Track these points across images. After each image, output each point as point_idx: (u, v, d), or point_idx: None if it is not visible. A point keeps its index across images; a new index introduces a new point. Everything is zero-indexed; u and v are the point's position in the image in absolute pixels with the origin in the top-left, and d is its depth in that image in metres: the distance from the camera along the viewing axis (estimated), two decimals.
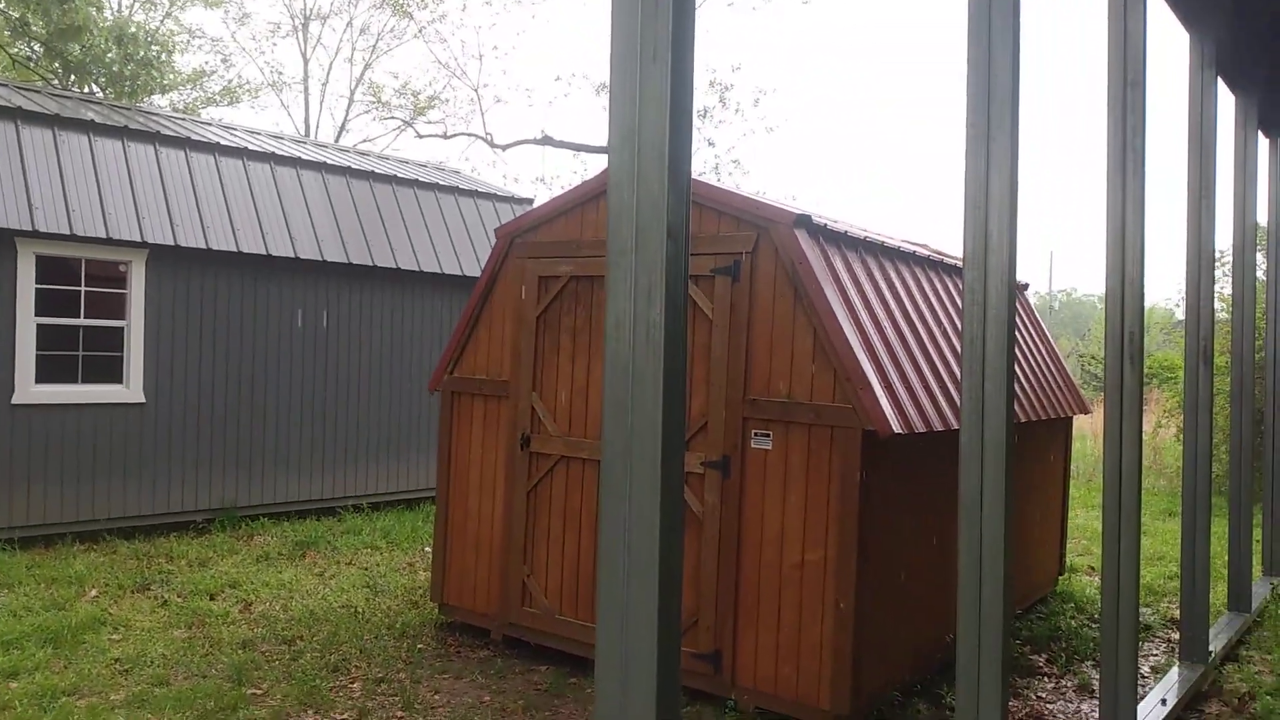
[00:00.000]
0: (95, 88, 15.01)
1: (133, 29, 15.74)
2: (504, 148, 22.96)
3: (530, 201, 13.00)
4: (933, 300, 6.48)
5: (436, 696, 5.47)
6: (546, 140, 22.25)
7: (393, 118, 26.05)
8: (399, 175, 11.48)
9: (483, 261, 11.35)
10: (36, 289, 8.27)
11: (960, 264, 7.13)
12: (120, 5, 21.89)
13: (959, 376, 5.88)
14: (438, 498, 6.76)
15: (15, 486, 8.18)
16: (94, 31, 13.72)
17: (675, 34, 1.72)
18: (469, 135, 24.34)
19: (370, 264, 10.33)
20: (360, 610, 6.90)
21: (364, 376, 10.46)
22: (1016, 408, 6.39)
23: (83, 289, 8.59)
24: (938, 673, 5.95)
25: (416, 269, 10.75)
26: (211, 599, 7.02)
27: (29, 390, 8.22)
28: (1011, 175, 3.70)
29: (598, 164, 27.09)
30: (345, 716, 5.12)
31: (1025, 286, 8.90)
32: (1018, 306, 7.21)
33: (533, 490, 6.19)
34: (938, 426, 5.34)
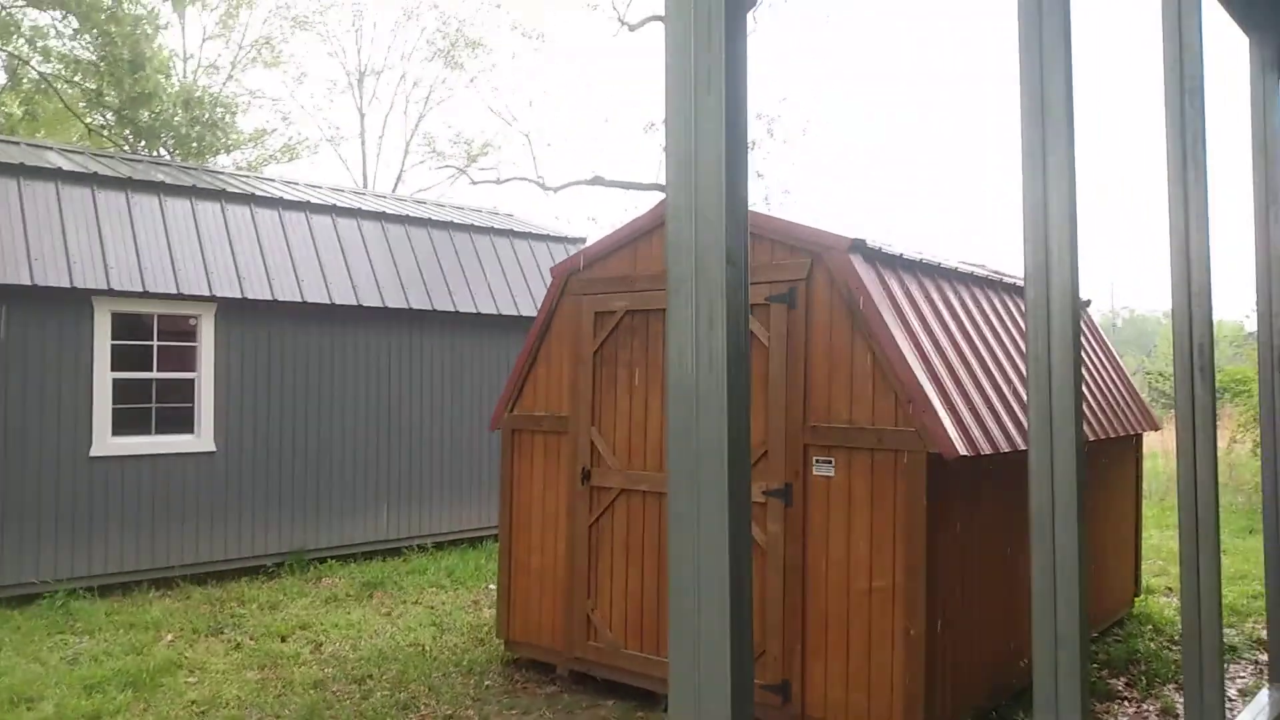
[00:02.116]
0: (164, 150, 15.62)
1: (198, 93, 16.39)
2: (556, 190, 23.31)
3: (582, 241, 13.15)
4: (993, 320, 6.40)
5: None
6: (597, 180, 22.54)
7: (447, 166, 26.64)
8: (455, 221, 11.72)
9: (538, 301, 11.50)
10: (112, 345, 8.58)
11: (1020, 282, 7.04)
12: (185, 71, 22.81)
13: (1024, 396, 5.80)
14: (500, 534, 6.81)
15: (94, 535, 8.44)
16: (163, 98, 14.32)
17: (729, 63, 1.77)
18: (522, 179, 24.76)
19: (430, 308, 10.53)
20: (427, 648, 6.95)
21: (425, 418, 10.62)
22: (1085, 426, 6.26)
23: (155, 343, 8.89)
24: (1013, 698, 5.79)
25: (474, 311, 10.93)
26: (283, 641, 7.14)
27: (106, 442, 8.50)
28: (1070, 189, 3.66)
29: (647, 201, 27.34)
30: None
31: (1088, 304, 8.74)
32: (1082, 324, 7.07)
33: (594, 524, 6.21)
34: (1004, 448, 5.26)
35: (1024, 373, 6.15)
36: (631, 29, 20.60)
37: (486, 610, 8.02)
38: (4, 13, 12.93)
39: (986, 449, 5.08)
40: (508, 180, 25.40)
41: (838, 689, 5.13)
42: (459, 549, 10.61)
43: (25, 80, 15.03)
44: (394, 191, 25.29)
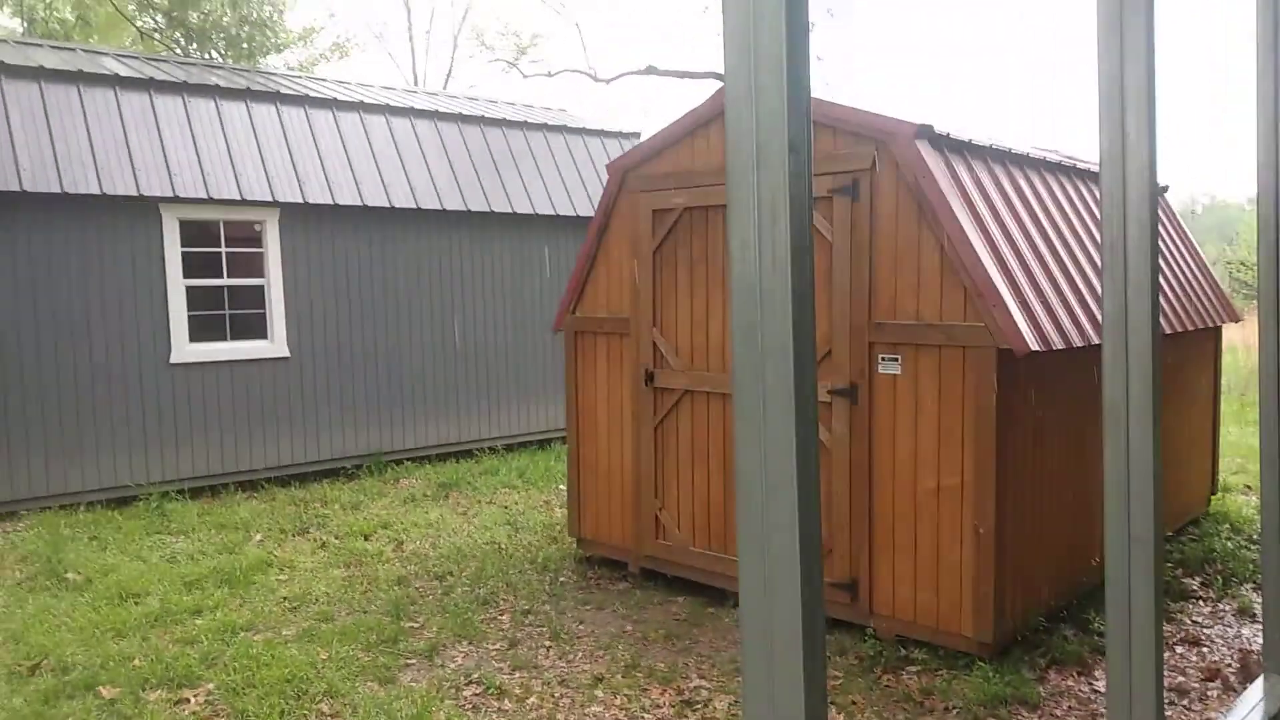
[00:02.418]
0: (215, 53, 15.62)
1: None
2: (608, 81, 22.82)
3: (637, 135, 12.91)
4: (1066, 209, 6.16)
5: (581, 626, 5.67)
6: (651, 70, 21.98)
7: (496, 60, 26.20)
8: (508, 118, 11.58)
9: (595, 200, 11.40)
10: (182, 252, 8.76)
11: (1095, 168, 6.73)
12: None
13: (1098, 290, 5.60)
14: (568, 436, 6.92)
15: (180, 441, 8.80)
16: None
17: None
18: (573, 72, 24.29)
19: (488, 209, 10.51)
20: (503, 546, 7.18)
21: (490, 320, 10.73)
22: (1161, 319, 6.05)
23: (223, 250, 9.06)
24: (1083, 597, 5.78)
25: (531, 211, 10.88)
26: (366, 540, 7.43)
27: (185, 349, 8.78)
28: (1149, 65, 3.44)
29: (704, 91, 26.61)
30: (497, 647, 5.37)
31: (1165, 189, 8.35)
32: (1159, 211, 6.76)
33: (659, 425, 6.26)
34: (1077, 342, 5.11)
35: (1098, 263, 5.94)
36: None
37: (558, 510, 8.22)
38: None
39: (1059, 343, 4.95)
40: (559, 73, 24.94)
41: (905, 587, 5.17)
42: (528, 450, 10.84)
43: None
44: (444, 89, 25.04)
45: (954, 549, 4.97)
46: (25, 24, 15.98)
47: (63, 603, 6.00)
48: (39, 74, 8.42)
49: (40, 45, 9.73)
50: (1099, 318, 5.34)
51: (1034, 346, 4.71)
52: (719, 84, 20.61)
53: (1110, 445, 4.00)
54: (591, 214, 11.06)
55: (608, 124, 13.35)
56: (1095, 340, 5.18)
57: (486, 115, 11.38)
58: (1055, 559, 5.52)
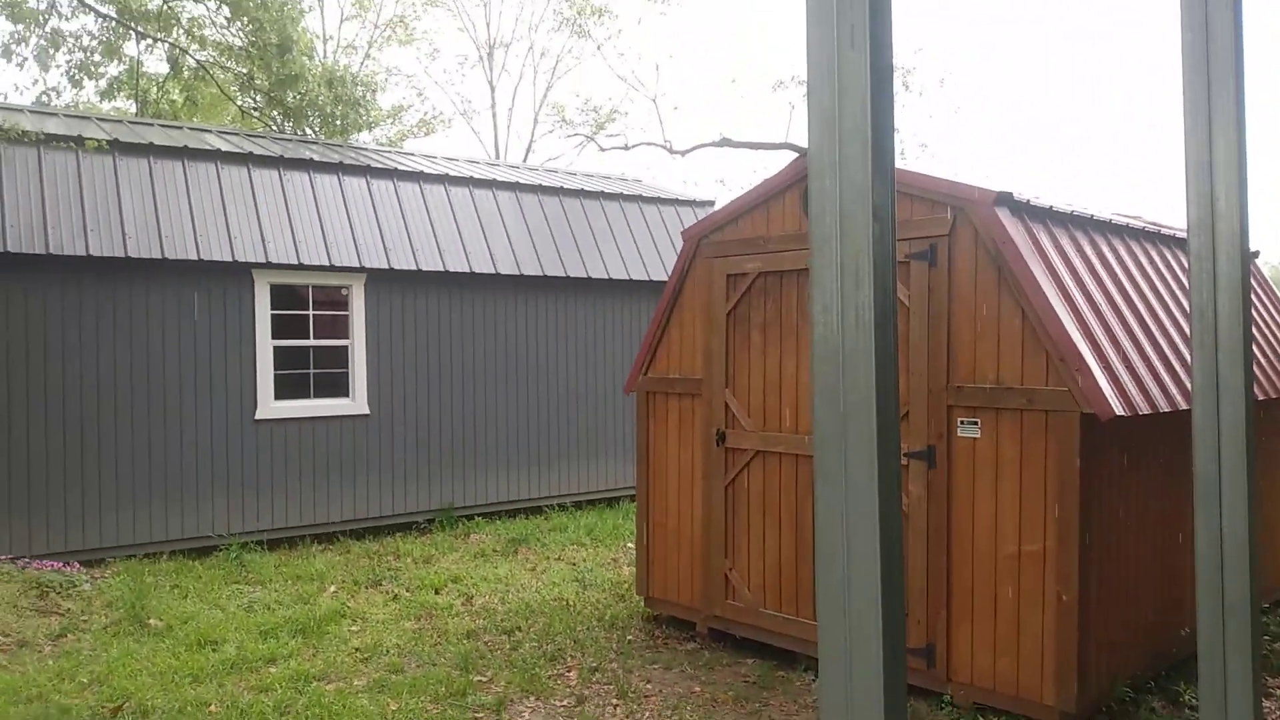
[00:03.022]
0: (309, 129, 16.39)
1: (340, 73, 17.08)
2: (683, 153, 23.20)
3: (711, 204, 13.10)
4: (1151, 275, 6.06)
5: (648, 685, 5.63)
6: (725, 142, 22.31)
7: (576, 134, 26.89)
8: (585, 189, 11.87)
9: (668, 266, 11.55)
10: (271, 314, 9.13)
11: (1180, 234, 6.62)
12: (325, 51, 23.78)
13: (1186, 355, 5.48)
14: (638, 495, 6.95)
15: (261, 493, 9.06)
16: (308, 79, 15.00)
17: (873, 17, 1.74)
18: (649, 144, 24.77)
19: (564, 275, 10.74)
20: (571, 603, 7.19)
21: (563, 382, 10.89)
22: (1254, 386, 5.88)
23: (311, 313, 9.41)
24: (1172, 669, 5.55)
25: (606, 277, 11.08)
26: (436, 593, 7.51)
27: (270, 406, 9.09)
28: (1239, 133, 3.42)
29: (776, 162, 26.89)
30: (565, 704, 5.36)
31: (1256, 254, 8.15)
32: (1250, 277, 6.59)
33: (730, 485, 6.26)
34: (1164, 407, 4.99)
35: (1184, 329, 5.82)
36: None
37: (625, 568, 8.21)
38: (165, 6, 13.78)
39: (1145, 409, 4.84)
40: (635, 146, 25.45)
41: (984, 654, 5.03)
42: (597, 508, 10.87)
43: (185, 68, 16.02)
44: (525, 161, 25.78)
45: (1035, 615, 4.84)
46: (139, 105, 17.00)
47: (145, 648, 6.17)
48: (149, 150, 8.95)
49: (151, 124, 10.36)
50: (1187, 384, 5.22)
51: (1118, 411, 4.62)
52: (790, 153, 20.83)
53: (1202, 514, 3.89)
54: (664, 279, 11.22)
55: (683, 193, 13.58)
56: (1183, 405, 5.06)
57: (564, 186, 11.70)
58: (1143, 628, 5.33)
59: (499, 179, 11.16)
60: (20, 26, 12.62)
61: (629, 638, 6.48)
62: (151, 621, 6.72)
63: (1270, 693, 5.39)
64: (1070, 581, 4.72)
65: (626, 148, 25.50)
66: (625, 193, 12.19)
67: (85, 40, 14.88)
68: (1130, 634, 5.21)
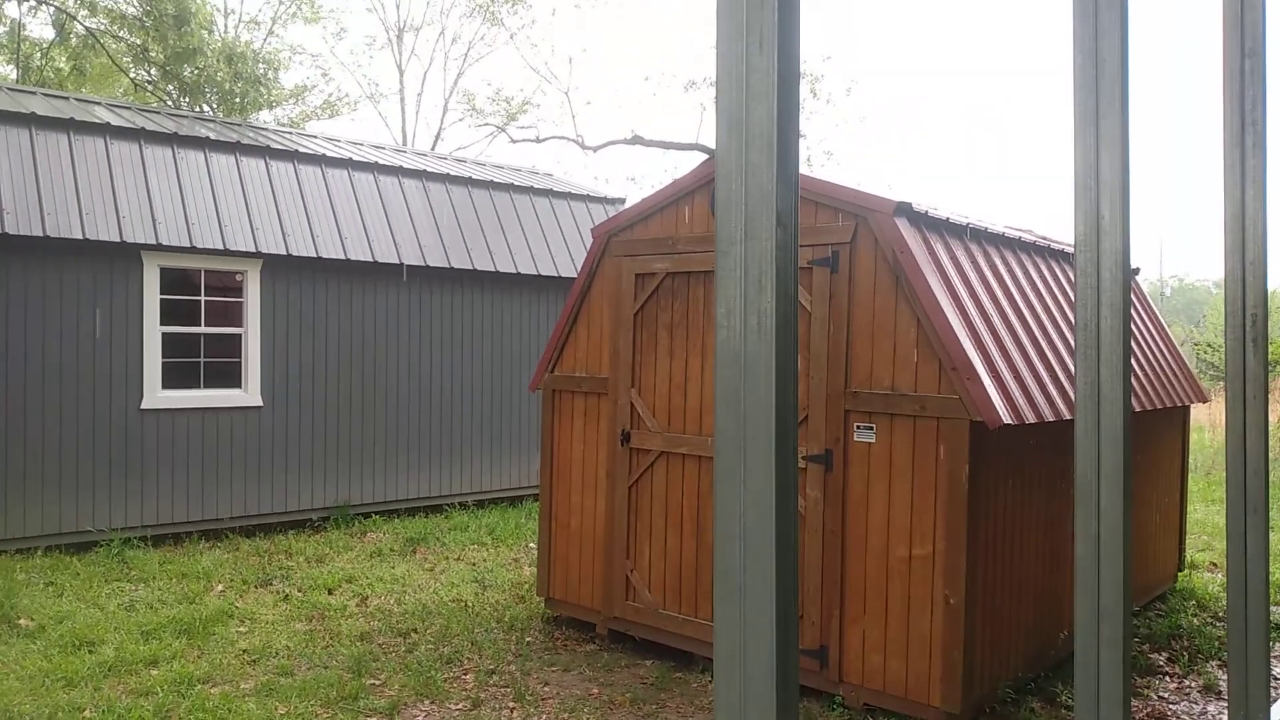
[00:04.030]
0: (207, 106, 15.76)
1: (240, 49, 16.50)
2: (595, 149, 23.19)
3: (622, 201, 13.11)
4: (1040, 287, 6.30)
5: (546, 688, 5.59)
6: (637, 140, 22.37)
7: (486, 124, 26.58)
8: (495, 180, 11.73)
9: (577, 262, 11.51)
10: (161, 299, 8.74)
11: (1068, 249, 6.92)
12: (226, 26, 22.92)
13: (1070, 365, 5.72)
14: (541, 494, 6.89)
15: (146, 487, 8.67)
16: (206, 54, 14.44)
17: (781, 23, 1.75)
18: (561, 138, 24.67)
19: (470, 267, 10.58)
20: (470, 604, 7.08)
21: (466, 377, 10.73)
22: (1132, 397, 6.18)
23: (202, 298, 9.04)
24: (1051, 670, 5.78)
25: (514, 271, 10.97)
26: (330, 593, 7.31)
27: (156, 395, 8.70)
28: (1123, 155, 3.58)
29: (687, 161, 27.10)
30: (460, 707, 5.28)
31: (1136, 272, 8.57)
32: (1131, 293, 6.92)
33: (634, 486, 6.26)
34: (1049, 417, 5.20)
35: (1070, 341, 6.08)
36: None
37: (527, 568, 8.14)
38: None
39: (1031, 418, 5.03)
40: (547, 139, 25.32)
41: (875, 655, 5.15)
42: (499, 507, 10.76)
43: (73, 35, 15.22)
44: (433, 149, 25.35)
45: (924, 618, 4.98)
46: (20, 72, 16.08)
47: (13, 649, 5.84)
48: (30, 120, 8.46)
49: (34, 93, 9.80)
50: (1071, 394, 5.45)
51: (1006, 419, 4.79)
52: (700, 154, 21.00)
53: (1081, 519, 4.07)
54: (573, 275, 11.17)
55: (594, 189, 13.54)
56: (1067, 415, 5.27)
57: (474, 176, 11.53)
58: (1025, 631, 5.54)
59: (406, 166, 10.93)
60: None
61: (528, 639, 6.42)
62: (22, 621, 6.36)
63: (1139, 692, 5.67)
64: (958, 584, 4.87)
65: (538, 140, 25.35)
66: (536, 186, 12.09)
67: None
68: (1013, 636, 5.41)
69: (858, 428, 5.22)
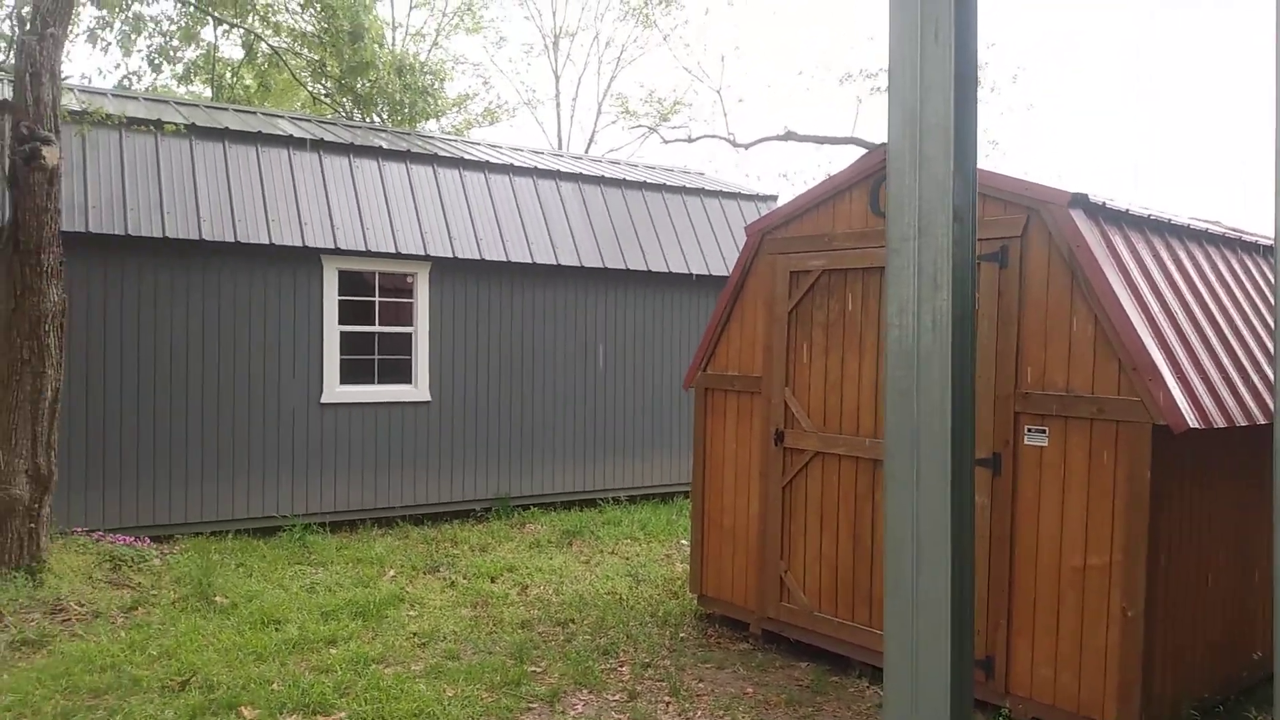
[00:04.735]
0: (378, 117, 16.64)
1: (410, 61, 17.33)
2: (747, 146, 23.07)
3: (774, 199, 13.00)
4: (1230, 283, 5.85)
5: (700, 685, 5.62)
6: (789, 136, 22.12)
7: (639, 125, 26.90)
8: (648, 181, 11.86)
9: (729, 260, 11.49)
10: (339, 300, 9.29)
11: (1262, 240, 6.38)
12: (394, 40, 24.11)
13: (1265, 367, 5.28)
14: (693, 492, 6.93)
15: (325, 476, 9.24)
16: (379, 67, 15.24)
17: (958, 11, 1.69)
18: (712, 137, 24.68)
19: (624, 267, 10.75)
20: (624, 597, 7.20)
21: (620, 374, 10.91)
22: None
23: (376, 299, 9.56)
24: (1244, 693, 5.36)
25: (666, 270, 11.07)
26: (492, 581, 7.59)
27: (335, 390, 9.26)
28: None
29: (841, 156, 26.58)
30: (617, 698, 5.38)
31: None
32: None
33: (788, 486, 6.20)
34: (1240, 421, 4.82)
35: (1264, 340, 5.59)
36: None
37: (679, 564, 8.20)
38: None
39: (1221, 422, 4.68)
40: (699, 139, 25.40)
41: (1045, 668, 4.92)
42: (651, 503, 10.88)
43: (259, 55, 16.38)
44: (587, 152, 25.86)
45: (1099, 631, 4.71)
46: (214, 90, 17.45)
47: (211, 624, 6.34)
48: (224, 135, 9.16)
49: (226, 109, 10.61)
50: (1266, 397, 5.03)
51: (1192, 424, 4.47)
52: (856, 148, 20.55)
53: None
54: (726, 274, 11.16)
55: (745, 187, 13.50)
56: (1261, 420, 4.88)
57: (627, 178, 11.70)
58: (1213, 649, 5.16)
59: (562, 170, 11.21)
60: (105, 12, 13.02)
61: (681, 635, 6.47)
62: (218, 598, 6.90)
63: None
64: (1136, 597, 4.58)
65: (690, 140, 25.44)
66: (688, 185, 12.15)
67: (165, 25, 15.32)
68: (1199, 654, 5.05)
69: (1029, 430, 5.00)
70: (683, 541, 8.97)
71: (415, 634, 6.30)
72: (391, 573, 7.78)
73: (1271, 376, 5.31)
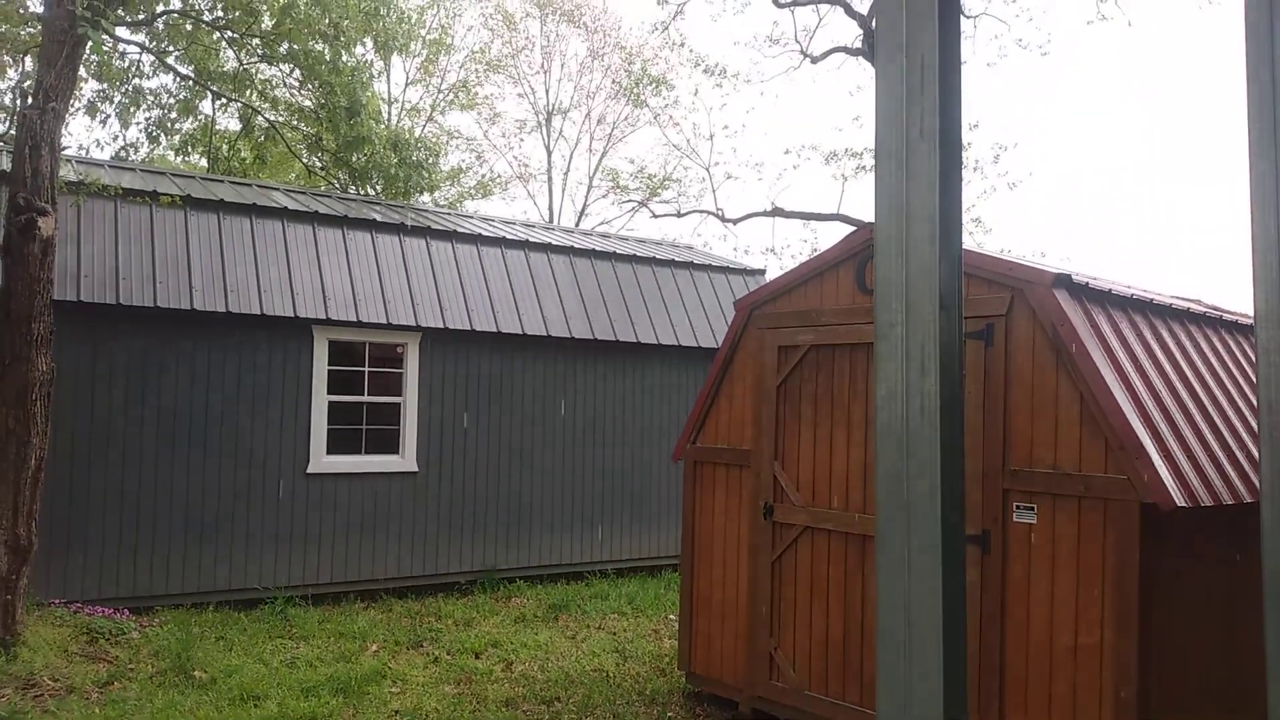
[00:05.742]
0: (372, 189, 16.86)
1: (405, 136, 17.64)
2: (735, 221, 23.41)
3: (762, 273, 13.17)
4: (1212, 360, 5.93)
5: None
6: (777, 212, 22.48)
7: (629, 200, 27.31)
8: (638, 254, 12.02)
9: (718, 333, 11.59)
10: (329, 370, 9.30)
11: (1242, 319, 6.49)
12: (389, 114, 24.54)
13: (1249, 444, 5.33)
14: (682, 566, 6.87)
15: (309, 547, 9.13)
16: (375, 141, 15.48)
17: (943, 111, 1.77)
18: (701, 212, 25.05)
19: (614, 339, 10.82)
20: (611, 675, 7.08)
21: (610, 446, 10.88)
22: None
23: (366, 369, 9.57)
24: None
25: (656, 342, 11.14)
26: (476, 657, 7.46)
27: (322, 460, 9.20)
28: None
29: (827, 232, 26.97)
30: None
31: None
32: None
33: (777, 561, 6.17)
34: (1227, 499, 4.84)
35: (1247, 417, 5.64)
36: (814, 61, 20.49)
37: (667, 640, 8.09)
38: (241, 68, 14.37)
39: (1208, 500, 4.70)
40: (688, 213, 25.76)
41: None
42: (638, 576, 10.76)
43: (256, 128, 16.65)
44: (578, 225, 26.20)
45: (1092, 711, 4.66)
46: (210, 161, 17.67)
47: (188, 700, 6.19)
48: (219, 206, 9.27)
49: (221, 181, 10.75)
50: (1251, 476, 5.06)
51: (1180, 502, 4.49)
52: (842, 225, 20.89)
53: (1271, 616, 3.76)
54: (715, 346, 11.24)
55: (734, 260, 13.68)
56: (1248, 498, 4.90)
57: (617, 251, 11.86)
58: None
59: (553, 243, 11.35)
60: (105, 85, 13.25)
61: (669, 715, 6.36)
62: (196, 673, 6.75)
63: None
64: (1129, 677, 4.54)
65: (679, 214, 25.80)
66: (677, 259, 12.31)
67: (164, 98, 15.58)
68: None
69: (1017, 508, 5.00)
70: (671, 616, 8.86)
71: (397, 712, 6.17)
72: (374, 647, 7.64)
73: (1256, 455, 5.36)
